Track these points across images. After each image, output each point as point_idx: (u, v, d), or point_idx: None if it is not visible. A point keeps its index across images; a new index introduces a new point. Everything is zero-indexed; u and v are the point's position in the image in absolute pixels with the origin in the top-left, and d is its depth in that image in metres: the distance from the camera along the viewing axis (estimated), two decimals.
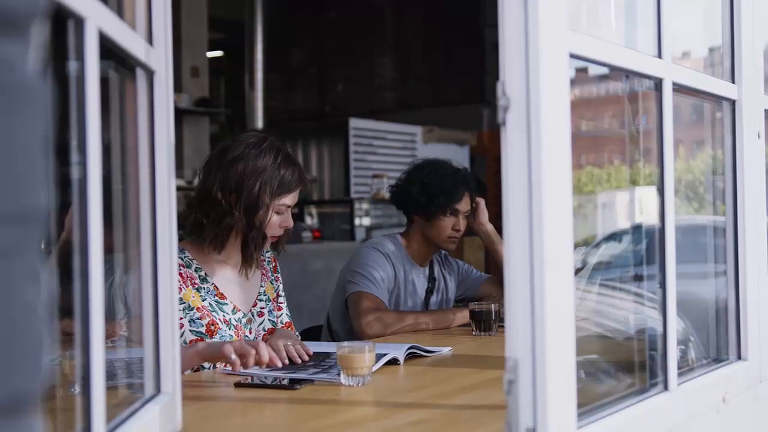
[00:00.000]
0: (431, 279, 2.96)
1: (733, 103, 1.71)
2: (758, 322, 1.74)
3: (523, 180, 1.06)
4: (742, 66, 1.71)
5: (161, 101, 1.26)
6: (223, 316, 2.18)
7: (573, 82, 1.14)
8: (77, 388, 1.01)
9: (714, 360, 1.72)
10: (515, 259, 1.07)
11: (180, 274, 2.13)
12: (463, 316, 2.68)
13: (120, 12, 1.13)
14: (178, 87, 6.32)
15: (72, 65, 0.90)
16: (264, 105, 7.78)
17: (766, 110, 1.80)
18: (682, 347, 1.60)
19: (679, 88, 1.47)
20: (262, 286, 2.33)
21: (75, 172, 0.90)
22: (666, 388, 1.41)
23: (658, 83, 1.42)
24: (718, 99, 1.71)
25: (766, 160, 1.79)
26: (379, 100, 8.83)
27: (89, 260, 0.91)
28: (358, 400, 1.68)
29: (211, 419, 1.57)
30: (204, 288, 2.18)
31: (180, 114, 6.61)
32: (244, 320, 2.23)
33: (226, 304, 2.20)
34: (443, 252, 3.00)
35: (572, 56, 1.14)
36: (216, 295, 2.19)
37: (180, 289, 2.11)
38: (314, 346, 2.14)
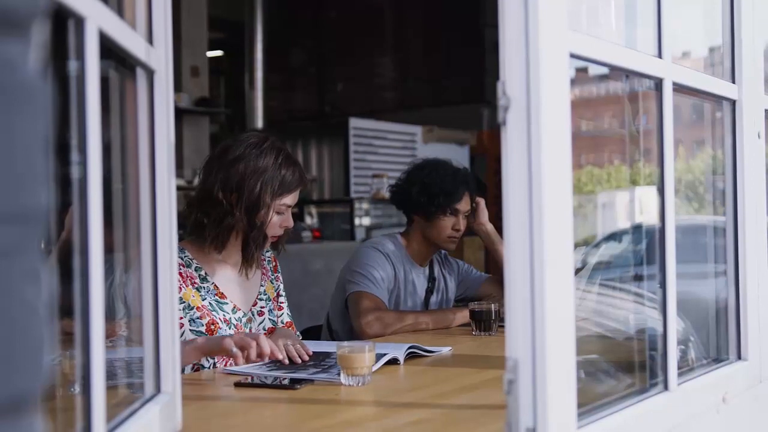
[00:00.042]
0: (431, 279, 2.96)
1: (733, 103, 1.71)
2: (758, 321, 1.74)
3: (523, 180, 1.06)
4: (742, 66, 1.71)
5: (161, 101, 1.26)
6: (223, 315, 2.18)
7: (573, 82, 1.14)
8: (77, 388, 1.01)
9: (714, 360, 1.72)
10: (515, 259, 1.07)
11: (180, 274, 2.13)
12: (463, 316, 2.68)
13: (120, 11, 1.13)
14: (178, 87, 6.32)
15: (72, 65, 0.90)
16: (264, 105, 7.78)
17: (766, 110, 1.80)
18: (682, 347, 1.60)
19: (679, 88, 1.47)
20: (262, 286, 2.33)
21: (75, 172, 0.90)
22: (666, 388, 1.41)
23: (659, 83, 1.42)
24: (718, 99, 1.71)
25: (766, 160, 1.79)
26: (379, 100, 8.84)
27: (89, 260, 0.91)
28: (358, 400, 1.68)
29: (211, 419, 1.57)
30: (204, 287, 2.18)
31: (180, 114, 6.61)
32: (244, 319, 2.23)
33: (226, 303, 2.20)
34: (443, 252, 3.00)
35: (572, 56, 1.14)
36: (216, 294, 2.19)
37: (180, 288, 2.11)
38: (314, 346, 2.14)
